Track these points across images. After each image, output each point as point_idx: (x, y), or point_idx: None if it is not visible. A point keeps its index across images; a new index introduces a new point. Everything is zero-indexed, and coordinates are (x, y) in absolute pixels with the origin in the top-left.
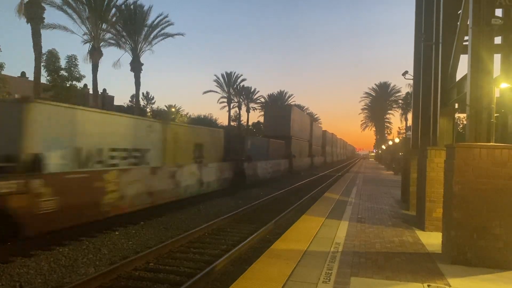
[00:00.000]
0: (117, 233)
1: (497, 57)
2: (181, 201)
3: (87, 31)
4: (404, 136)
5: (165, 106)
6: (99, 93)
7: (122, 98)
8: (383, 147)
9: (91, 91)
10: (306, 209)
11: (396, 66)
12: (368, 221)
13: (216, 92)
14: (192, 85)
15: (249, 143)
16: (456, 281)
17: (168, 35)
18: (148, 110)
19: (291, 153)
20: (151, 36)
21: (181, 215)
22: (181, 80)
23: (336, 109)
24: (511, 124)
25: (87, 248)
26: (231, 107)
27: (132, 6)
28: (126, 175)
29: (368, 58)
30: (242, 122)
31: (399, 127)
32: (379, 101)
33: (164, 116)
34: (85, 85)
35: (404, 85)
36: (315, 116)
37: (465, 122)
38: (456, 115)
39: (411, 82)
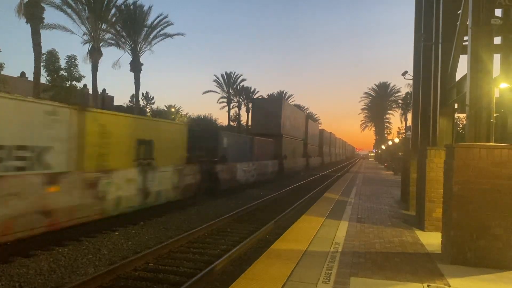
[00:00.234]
0: (116, 233)
1: (497, 57)
2: (181, 201)
3: (86, 31)
4: (403, 136)
5: (165, 106)
6: (99, 93)
7: (122, 98)
8: (383, 147)
9: (90, 91)
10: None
11: (396, 66)
12: (367, 221)
13: (216, 92)
14: (192, 85)
15: (225, 141)
16: (455, 281)
17: (167, 35)
18: (148, 110)
19: (282, 153)
20: (151, 36)
21: (181, 215)
22: (181, 80)
23: (336, 109)
24: (510, 124)
25: (86, 249)
26: (231, 107)
27: (132, 6)
28: None
29: (368, 58)
30: (242, 122)
31: (398, 127)
32: (379, 101)
33: (164, 116)
34: (85, 85)
35: (403, 85)
36: (315, 116)
37: (464, 122)
38: (456, 115)
39: (411, 82)
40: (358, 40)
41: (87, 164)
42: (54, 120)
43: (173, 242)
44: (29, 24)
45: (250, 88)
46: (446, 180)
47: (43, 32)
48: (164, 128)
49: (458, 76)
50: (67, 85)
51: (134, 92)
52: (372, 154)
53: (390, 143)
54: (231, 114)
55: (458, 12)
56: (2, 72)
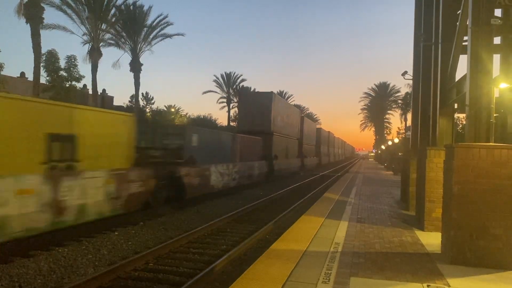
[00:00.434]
0: (116, 233)
1: (497, 57)
2: (180, 201)
3: (86, 32)
4: (403, 136)
5: (165, 106)
6: (99, 93)
7: (121, 98)
8: (383, 147)
9: (90, 92)
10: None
11: (396, 66)
12: (367, 221)
13: (216, 92)
14: (192, 85)
15: (196, 139)
16: (455, 281)
17: (167, 36)
18: (147, 110)
19: (272, 153)
20: (151, 37)
21: (181, 215)
22: (181, 80)
23: (336, 109)
24: (510, 124)
25: (86, 249)
26: (231, 107)
27: (131, 7)
28: None
29: (368, 58)
30: None
31: (398, 127)
32: (379, 101)
33: (164, 116)
34: (85, 86)
35: (403, 85)
36: (315, 116)
37: (464, 122)
38: (456, 115)
39: (411, 82)
40: (358, 40)
41: None
42: None
43: (173, 242)
44: (29, 24)
45: (250, 88)
46: (445, 180)
47: (43, 32)
48: (96, 119)
49: (458, 76)
50: (67, 85)
51: (134, 92)
52: (372, 154)
53: (390, 143)
54: (231, 114)
55: (458, 12)
56: (2, 72)
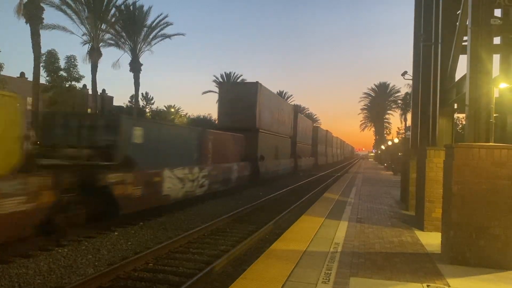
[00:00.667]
0: (116, 233)
1: (496, 57)
2: (180, 201)
3: (86, 32)
4: (403, 136)
5: (164, 106)
6: (98, 93)
7: (121, 98)
8: (383, 147)
9: (90, 92)
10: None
11: (396, 66)
12: (367, 221)
13: (216, 92)
14: (192, 85)
15: (138, 134)
16: (455, 281)
17: (167, 36)
18: (147, 110)
19: (258, 153)
20: (150, 37)
21: (181, 216)
22: (181, 80)
23: (336, 109)
24: (510, 124)
25: (86, 249)
26: None
27: (131, 7)
28: None
29: (368, 58)
30: None
31: (398, 127)
32: (379, 101)
33: (164, 116)
34: (84, 86)
35: (403, 85)
36: (315, 117)
37: (464, 122)
38: (455, 115)
39: (410, 82)
40: (358, 40)
41: None
42: None
43: (173, 242)
44: (28, 24)
45: None
46: (445, 180)
47: (43, 32)
48: None
49: (457, 76)
50: (67, 85)
51: (133, 93)
52: (372, 154)
53: (389, 143)
54: None
55: (458, 12)
56: (2, 73)
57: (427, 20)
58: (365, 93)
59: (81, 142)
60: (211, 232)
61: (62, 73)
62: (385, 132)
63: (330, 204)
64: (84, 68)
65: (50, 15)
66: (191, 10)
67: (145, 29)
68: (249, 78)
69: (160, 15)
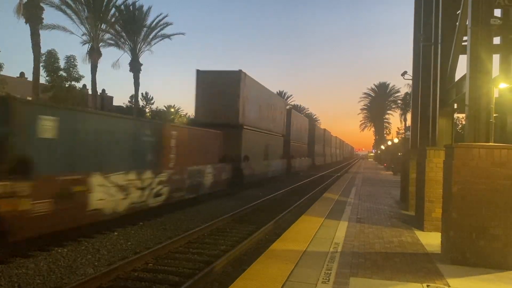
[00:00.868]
0: (116, 233)
1: (496, 57)
2: (180, 202)
3: (86, 32)
4: (403, 136)
5: (164, 106)
6: (98, 93)
7: (121, 98)
8: (382, 147)
9: (90, 92)
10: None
11: (396, 66)
12: (367, 221)
13: None
14: (192, 85)
15: (48, 126)
16: (455, 281)
17: (167, 36)
18: (147, 110)
19: (241, 153)
20: (150, 37)
21: (180, 216)
22: (181, 80)
23: (336, 109)
24: (510, 124)
25: (86, 249)
26: None
27: (131, 7)
28: None
29: (368, 58)
30: None
31: (398, 127)
32: (378, 101)
33: (164, 116)
34: (84, 86)
35: (403, 85)
36: (315, 117)
37: (464, 122)
38: (455, 115)
39: (410, 82)
40: (358, 40)
41: None
42: None
43: (173, 242)
44: (28, 24)
45: None
46: (445, 180)
47: (43, 32)
48: None
49: (457, 76)
50: (66, 85)
51: (133, 93)
52: (372, 154)
53: (389, 143)
54: None
55: (458, 12)
56: (2, 73)
57: (427, 20)
58: (365, 93)
59: None
60: (211, 232)
61: (62, 73)
62: (385, 132)
63: (330, 204)
64: (84, 68)
65: (50, 15)
66: (191, 10)
67: (145, 29)
68: None
69: (160, 15)
